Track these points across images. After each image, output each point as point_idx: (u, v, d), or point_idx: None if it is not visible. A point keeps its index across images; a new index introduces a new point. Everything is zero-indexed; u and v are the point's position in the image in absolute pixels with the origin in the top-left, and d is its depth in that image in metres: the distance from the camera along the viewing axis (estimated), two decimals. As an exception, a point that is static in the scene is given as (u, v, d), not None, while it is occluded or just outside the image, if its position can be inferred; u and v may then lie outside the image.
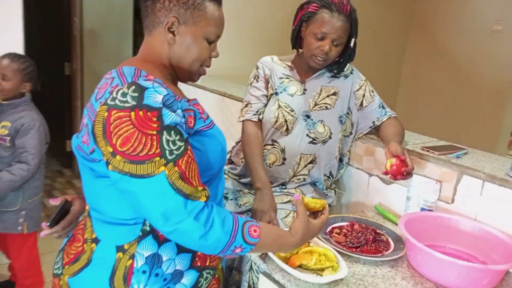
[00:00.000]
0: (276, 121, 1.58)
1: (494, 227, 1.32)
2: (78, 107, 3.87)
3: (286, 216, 1.51)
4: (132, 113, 0.86)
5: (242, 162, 1.66)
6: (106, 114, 0.87)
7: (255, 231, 0.94)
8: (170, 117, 0.89)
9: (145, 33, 1.05)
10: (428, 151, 1.53)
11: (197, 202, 0.90)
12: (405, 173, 1.38)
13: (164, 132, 0.87)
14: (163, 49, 1.02)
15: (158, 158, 0.86)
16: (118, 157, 0.86)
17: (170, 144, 0.88)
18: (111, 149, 0.87)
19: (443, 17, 4.16)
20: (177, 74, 1.06)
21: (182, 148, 0.89)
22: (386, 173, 1.41)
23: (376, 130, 1.67)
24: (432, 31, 4.25)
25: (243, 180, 1.67)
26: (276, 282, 1.16)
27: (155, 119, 0.86)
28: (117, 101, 0.87)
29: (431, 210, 1.47)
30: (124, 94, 0.87)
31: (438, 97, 4.25)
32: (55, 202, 1.10)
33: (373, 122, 1.66)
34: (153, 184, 0.87)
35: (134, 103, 0.86)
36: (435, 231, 1.37)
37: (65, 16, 3.78)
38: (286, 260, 1.17)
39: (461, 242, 1.35)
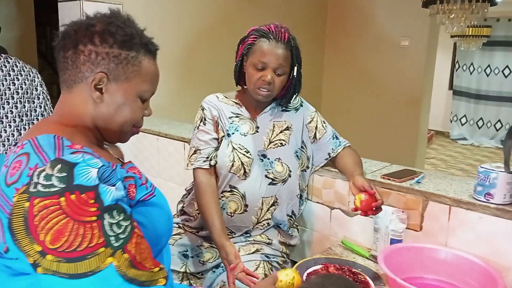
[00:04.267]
0: (233, 165, 1.46)
1: (466, 251, 1.32)
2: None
3: (256, 269, 1.39)
4: (62, 199, 0.70)
5: (198, 213, 1.51)
6: (27, 204, 0.70)
7: None
8: (109, 194, 0.75)
9: (63, 89, 0.88)
10: (389, 179, 1.51)
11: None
12: (375, 208, 1.33)
13: (106, 215, 0.73)
14: (86, 109, 0.86)
15: (103, 249, 0.72)
16: (49, 256, 0.70)
17: (115, 227, 0.74)
18: (39, 248, 0.70)
19: (354, 35, 4.37)
20: (104, 136, 0.91)
21: (128, 229, 0.76)
22: (355, 210, 1.36)
23: (332, 162, 1.63)
24: (345, 50, 4.44)
25: (201, 233, 1.51)
26: None
27: (92, 202, 0.72)
28: (39, 187, 0.71)
29: (400, 240, 1.45)
30: (48, 177, 0.71)
31: (358, 112, 4.43)
32: None
33: (329, 154, 1.61)
34: (101, 281, 0.72)
35: (62, 185, 0.71)
36: (410, 262, 1.34)
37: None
38: None
39: (437, 270, 1.33)
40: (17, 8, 3.42)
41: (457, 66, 8.25)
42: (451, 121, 8.34)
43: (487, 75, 7.79)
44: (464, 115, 8.16)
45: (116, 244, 0.73)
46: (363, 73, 4.35)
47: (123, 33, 0.86)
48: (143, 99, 0.91)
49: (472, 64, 7.94)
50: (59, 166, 0.72)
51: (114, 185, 0.77)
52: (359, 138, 4.29)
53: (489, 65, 7.73)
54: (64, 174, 0.72)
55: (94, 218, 0.72)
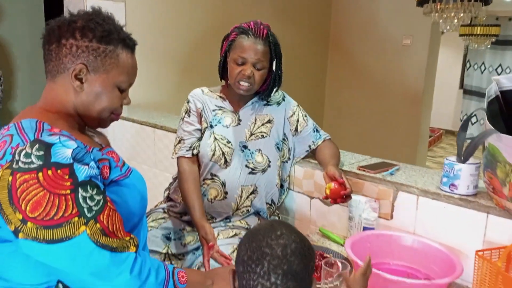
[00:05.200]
0: (214, 154, 1.55)
1: (431, 239, 1.38)
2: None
3: (233, 251, 1.47)
4: (40, 174, 0.80)
5: (182, 199, 1.60)
6: (10, 178, 0.80)
7: (182, 277, 0.97)
8: (83, 171, 0.84)
9: (48, 79, 0.97)
10: (364, 170, 1.58)
11: (126, 254, 0.88)
12: (344, 196, 1.41)
13: (79, 189, 0.82)
14: (68, 97, 0.95)
15: (76, 218, 0.81)
16: (29, 224, 0.79)
17: (88, 200, 0.83)
18: (20, 216, 0.80)
19: (357, 35, 4.40)
20: (85, 121, 1.00)
21: (101, 202, 0.86)
22: (326, 198, 1.44)
23: (312, 154, 1.70)
24: (348, 49, 4.48)
25: (184, 218, 1.60)
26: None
27: (67, 177, 0.82)
28: (20, 163, 0.80)
29: (373, 228, 1.52)
30: (27, 155, 0.81)
31: (361, 111, 4.47)
32: None
33: (309, 146, 1.68)
34: (75, 246, 0.81)
35: (40, 162, 0.80)
36: (379, 249, 1.40)
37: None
38: None
39: (403, 257, 1.40)
40: (27, 4, 3.55)
41: (468, 65, 8.20)
42: (461, 120, 8.30)
43: (498, 75, 7.72)
44: (475, 114, 8.10)
45: (89, 215, 0.83)
46: (366, 71, 4.39)
47: (101, 29, 0.95)
48: (121, 89, 0.99)
49: (483, 63, 7.88)
50: (37, 145, 0.82)
51: (87, 164, 0.86)
52: (361, 136, 4.38)
53: (500, 65, 7.67)
54: (42, 152, 0.81)
55: (68, 191, 0.81)
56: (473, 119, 8.13)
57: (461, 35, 5.95)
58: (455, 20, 2.58)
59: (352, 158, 1.77)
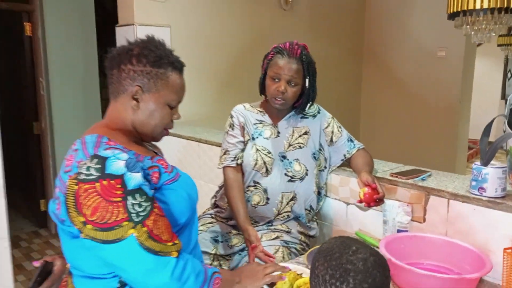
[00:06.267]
0: (256, 164, 1.70)
1: (462, 239, 1.46)
2: (49, 166, 3.87)
3: (275, 252, 1.61)
4: (97, 184, 0.94)
5: (228, 205, 1.75)
6: (76, 187, 0.95)
7: (217, 283, 1.07)
8: (133, 181, 0.97)
9: (111, 99, 1.13)
10: (396, 176, 1.68)
11: (168, 258, 0.98)
12: (377, 200, 1.52)
13: (129, 197, 0.95)
14: (127, 114, 1.10)
15: (126, 222, 0.94)
16: (89, 226, 0.94)
17: (136, 207, 0.96)
18: (82, 219, 0.95)
19: (391, 47, 4.49)
20: (141, 136, 1.14)
21: (148, 209, 0.98)
22: (360, 202, 1.55)
23: (347, 162, 1.82)
24: (383, 61, 4.57)
25: (230, 222, 1.76)
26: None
27: (119, 186, 0.95)
28: (83, 175, 0.95)
29: (406, 231, 1.61)
30: (88, 168, 0.96)
31: (397, 122, 4.52)
32: (36, 264, 1.14)
33: (344, 155, 1.81)
34: (125, 246, 0.95)
35: (98, 174, 0.95)
36: (412, 250, 1.49)
37: (29, 76, 3.82)
38: None
39: (436, 257, 1.48)
40: (82, 30, 3.88)
41: (509, 75, 8.03)
42: (504, 131, 8.07)
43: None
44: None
45: (137, 220, 0.96)
46: (401, 83, 4.45)
47: (154, 55, 1.10)
48: (171, 106, 1.14)
49: (525, 73, 7.70)
50: (95, 160, 0.97)
51: (138, 173, 0.99)
52: (397, 146, 4.42)
53: (543, 74, 7.47)
54: (99, 166, 0.96)
55: (119, 199, 0.95)
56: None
57: (499, 45, 5.90)
58: (486, 32, 2.63)
59: (385, 166, 1.88)
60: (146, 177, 1.03)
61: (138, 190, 0.97)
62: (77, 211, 0.96)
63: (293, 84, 1.63)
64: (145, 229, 0.96)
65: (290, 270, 1.29)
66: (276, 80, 1.63)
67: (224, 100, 3.28)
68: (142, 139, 1.16)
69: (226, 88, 3.37)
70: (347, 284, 0.79)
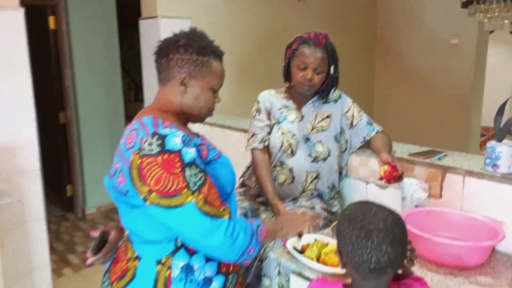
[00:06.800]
0: (282, 146, 1.83)
1: (477, 213, 1.58)
2: (75, 153, 4.03)
3: (302, 226, 1.74)
4: (159, 158, 1.06)
5: (255, 184, 1.88)
6: (139, 161, 1.08)
7: (263, 232, 1.19)
8: (189, 155, 1.09)
9: (160, 85, 1.25)
10: (414, 156, 1.80)
11: (222, 220, 1.11)
12: (397, 177, 1.63)
13: (186, 169, 1.07)
14: (175, 98, 1.22)
15: (185, 190, 1.07)
16: (153, 194, 1.07)
17: (193, 177, 1.08)
18: (147, 189, 1.07)
19: (404, 36, 4.57)
20: (188, 118, 1.27)
21: (202, 178, 1.10)
22: (381, 179, 1.66)
23: (367, 144, 1.93)
24: (395, 50, 4.65)
25: (258, 199, 1.89)
26: (307, 279, 1.38)
27: (177, 160, 1.07)
28: (145, 150, 1.08)
29: (424, 206, 1.72)
30: (150, 144, 1.08)
31: (410, 111, 4.61)
32: (95, 233, 1.28)
33: (364, 138, 1.92)
34: (185, 211, 1.07)
35: (159, 149, 1.07)
36: (430, 223, 1.61)
37: (54, 68, 3.97)
38: (317, 261, 1.39)
39: (452, 230, 1.60)
40: (104, 22, 4.02)
41: (523, 63, 8.01)
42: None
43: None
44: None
45: (194, 188, 1.08)
46: (413, 71, 4.54)
47: (198, 45, 1.22)
48: (214, 90, 1.26)
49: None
50: (156, 137, 1.09)
51: (192, 148, 1.11)
52: (411, 135, 4.51)
53: (556, 61, 7.45)
54: (160, 142, 1.08)
55: (179, 170, 1.07)
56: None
57: (511, 33, 5.92)
58: (499, 20, 2.71)
59: (403, 147, 1.99)
60: (197, 152, 1.15)
61: (193, 163, 1.09)
62: (141, 182, 1.08)
63: (318, 72, 1.75)
64: (201, 196, 1.08)
65: (323, 215, 1.53)
66: (303, 68, 1.75)
67: (242, 89, 3.40)
68: (189, 120, 1.29)
69: (245, 78, 3.48)
70: (371, 242, 0.92)
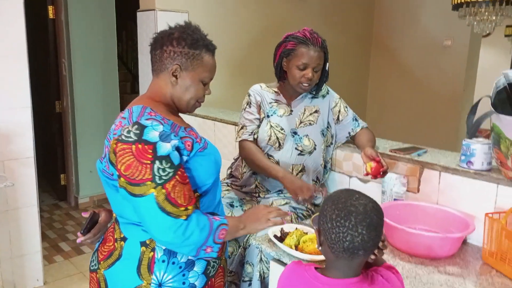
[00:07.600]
0: (269, 139, 1.89)
1: (451, 207, 1.65)
2: (70, 142, 4.09)
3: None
4: (133, 146, 1.12)
5: (242, 175, 1.95)
6: (115, 146, 1.14)
7: (222, 234, 1.21)
8: (163, 149, 1.13)
9: (153, 75, 1.32)
10: (395, 152, 1.87)
11: (176, 220, 1.13)
12: (382, 172, 1.70)
13: (156, 162, 1.11)
14: (167, 88, 1.28)
15: (149, 182, 1.11)
16: (122, 179, 1.13)
17: (160, 171, 1.12)
18: (118, 173, 1.14)
19: (399, 35, 4.64)
20: (177, 107, 1.32)
21: (170, 174, 1.13)
22: (367, 174, 1.73)
23: (352, 140, 2.00)
24: (390, 48, 4.72)
25: (244, 190, 1.96)
26: (285, 265, 1.45)
27: (150, 151, 1.12)
28: (123, 137, 1.14)
29: (402, 200, 1.80)
30: (129, 132, 1.14)
31: (402, 108, 4.69)
32: (86, 214, 1.35)
33: (349, 133, 1.99)
34: (145, 202, 1.12)
35: (135, 138, 1.12)
36: (406, 216, 1.69)
37: (52, 57, 4.02)
38: (296, 249, 1.47)
39: (427, 222, 1.67)
40: (102, 13, 4.07)
41: (518, 66, 8.09)
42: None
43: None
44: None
45: (158, 182, 1.12)
46: (407, 70, 4.61)
47: (191, 38, 1.28)
48: (204, 83, 1.32)
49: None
50: (136, 126, 1.15)
51: (168, 143, 1.15)
52: (403, 131, 4.60)
53: (549, 64, 7.53)
54: (138, 131, 1.13)
55: (148, 162, 1.11)
56: None
57: (506, 36, 6.00)
58: (488, 23, 2.79)
59: (386, 143, 2.06)
60: (180, 145, 1.20)
61: (166, 157, 1.13)
62: (114, 165, 1.15)
63: (317, 70, 1.83)
64: (163, 191, 1.12)
65: (291, 214, 1.54)
66: (303, 68, 1.81)
67: (236, 84, 3.47)
68: (178, 110, 1.34)
69: (238, 72, 3.55)
70: (349, 222, 0.97)
